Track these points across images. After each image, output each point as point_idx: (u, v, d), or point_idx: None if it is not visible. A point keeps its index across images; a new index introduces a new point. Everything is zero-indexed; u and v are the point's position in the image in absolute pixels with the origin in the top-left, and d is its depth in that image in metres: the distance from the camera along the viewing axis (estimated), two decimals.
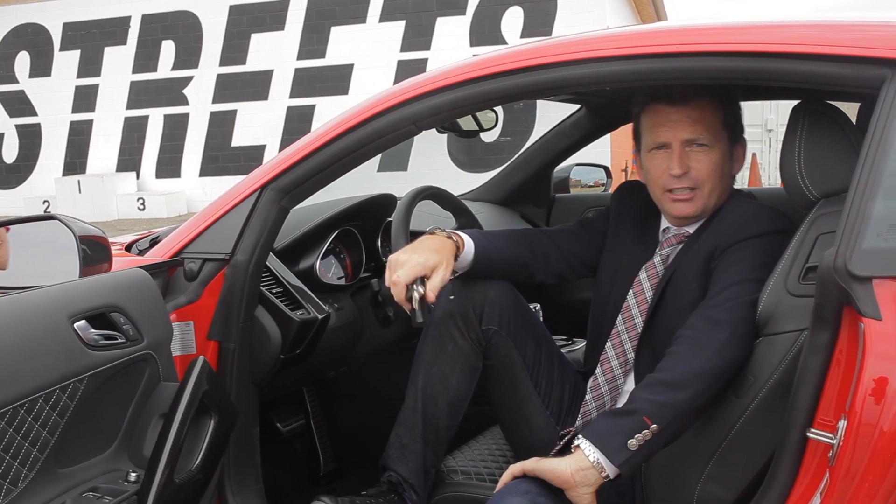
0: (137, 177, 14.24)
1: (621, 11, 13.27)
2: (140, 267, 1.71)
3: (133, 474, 1.52)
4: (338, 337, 2.19)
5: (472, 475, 1.95)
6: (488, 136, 12.09)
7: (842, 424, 1.33)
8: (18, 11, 14.49)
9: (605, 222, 2.06)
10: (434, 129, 2.69)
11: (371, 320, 2.29)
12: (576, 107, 2.99)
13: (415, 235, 2.28)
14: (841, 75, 1.45)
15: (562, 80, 1.67)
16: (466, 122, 2.86)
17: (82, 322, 1.44)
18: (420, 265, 1.69)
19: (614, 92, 2.48)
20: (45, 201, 14.05)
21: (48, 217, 1.65)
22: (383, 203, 2.33)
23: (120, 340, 1.51)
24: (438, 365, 1.86)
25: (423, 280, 1.69)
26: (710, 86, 1.76)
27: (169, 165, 14.02)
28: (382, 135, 1.81)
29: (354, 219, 2.30)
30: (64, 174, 14.42)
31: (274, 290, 1.99)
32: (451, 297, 1.86)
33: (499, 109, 2.73)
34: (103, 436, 1.54)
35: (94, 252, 1.67)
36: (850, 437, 1.31)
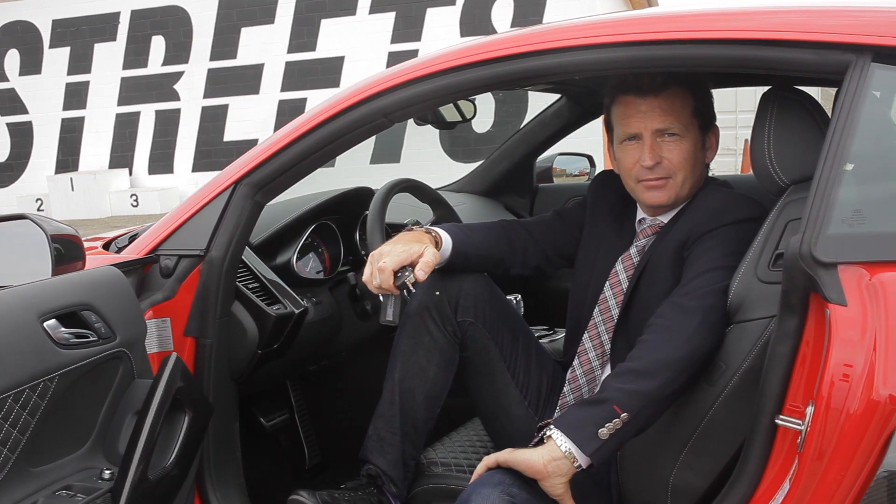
0: (130, 173, 14.21)
1: (611, 3, 13.23)
2: (113, 265, 1.71)
3: (107, 472, 1.52)
4: (316, 331, 2.19)
5: (452, 467, 1.96)
6: (480, 127, 12.13)
7: (809, 410, 1.34)
8: (7, 9, 14.44)
9: (583, 213, 2.06)
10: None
11: (350, 314, 2.30)
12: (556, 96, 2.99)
13: (393, 229, 2.28)
14: (805, 61, 1.45)
15: (529, 71, 1.67)
16: (450, 113, 2.86)
17: (52, 321, 1.44)
18: (405, 252, 1.71)
19: (592, 81, 2.48)
20: (38, 199, 14.03)
21: (19, 216, 1.64)
22: (361, 197, 2.33)
23: (92, 339, 1.51)
24: (415, 357, 1.86)
25: (410, 268, 1.70)
26: (678, 75, 1.76)
27: (161, 161, 13.99)
28: (354, 128, 1.81)
29: (332, 213, 2.30)
30: (56, 172, 14.39)
31: (250, 286, 2.00)
32: (437, 293, 1.86)
33: (483, 99, 2.73)
34: (77, 434, 1.54)
35: (66, 251, 1.66)
36: (818, 422, 1.31)
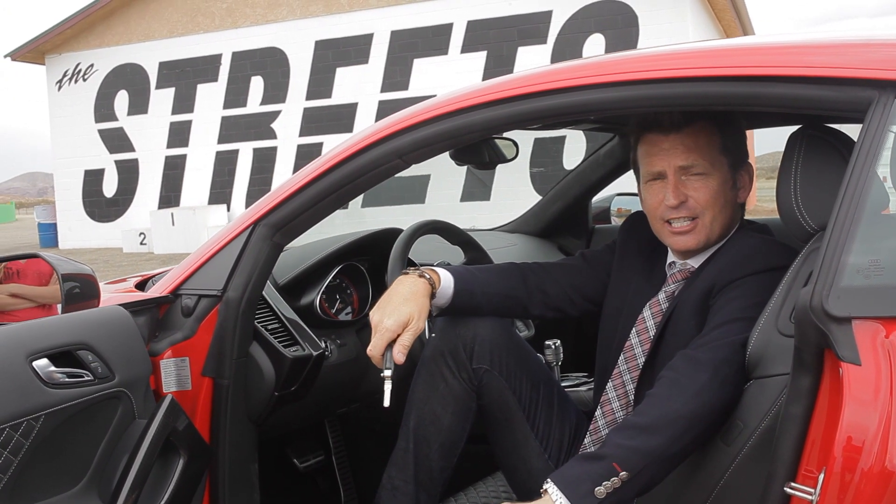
0: (228, 209, 14.66)
1: (704, 29, 13.02)
2: (124, 304, 1.72)
3: None
4: (341, 373, 2.16)
5: None
6: (570, 164, 12.04)
7: (821, 478, 1.22)
8: (118, 52, 15.19)
9: (611, 256, 1.97)
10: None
11: None
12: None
13: None
14: (824, 98, 1.34)
15: (545, 110, 1.61)
16: (508, 150, 2.81)
17: (43, 360, 1.45)
18: (390, 331, 1.66)
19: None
20: (140, 233, 14.60)
21: (31, 255, 1.67)
22: (390, 238, 2.30)
23: (87, 378, 1.51)
24: (430, 405, 1.81)
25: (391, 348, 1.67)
26: (704, 112, 1.68)
27: (258, 197, 14.21)
28: (369, 170, 1.78)
29: (361, 254, 2.27)
30: (159, 207, 14.96)
31: (270, 326, 1.98)
32: (432, 335, 1.81)
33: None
34: (71, 472, 1.54)
35: (81, 289, 1.69)
36: (827, 492, 1.20)
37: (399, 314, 1.66)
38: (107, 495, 1.54)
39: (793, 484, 1.29)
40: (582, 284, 1.95)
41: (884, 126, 1.27)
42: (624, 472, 1.42)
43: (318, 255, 2.19)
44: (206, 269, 1.91)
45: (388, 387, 1.65)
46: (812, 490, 1.25)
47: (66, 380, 1.47)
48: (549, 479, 1.48)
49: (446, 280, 1.79)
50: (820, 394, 1.29)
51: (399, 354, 1.65)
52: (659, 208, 1.74)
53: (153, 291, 1.98)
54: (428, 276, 1.75)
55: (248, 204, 14.47)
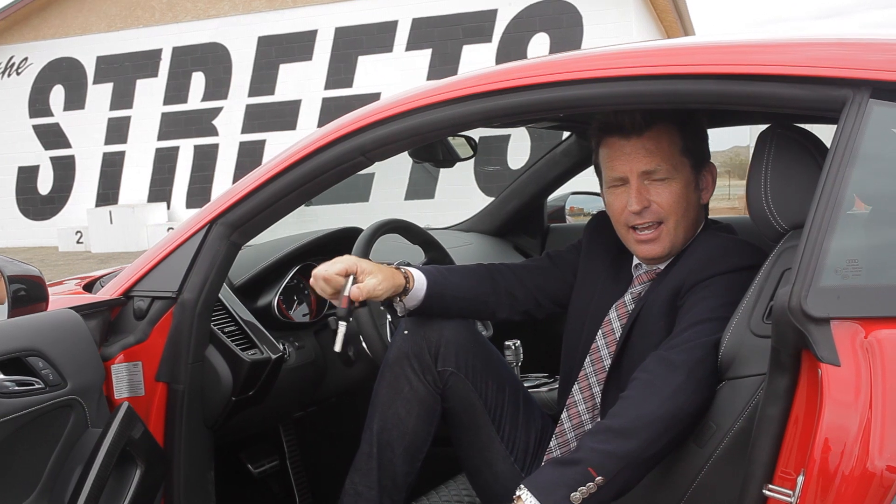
0: (168, 207, 14.37)
1: (647, 30, 13.16)
2: (74, 307, 1.64)
3: None
4: (299, 376, 2.10)
5: None
6: (515, 163, 12.06)
7: (800, 480, 1.21)
8: (53, 46, 14.77)
9: (577, 256, 1.95)
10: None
11: (335, 359, 2.20)
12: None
13: None
14: (799, 97, 1.34)
15: (516, 107, 1.58)
16: (463, 150, 2.78)
17: None
18: (348, 260, 1.66)
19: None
20: (77, 232, 14.23)
21: None
22: (350, 237, 2.24)
23: (37, 386, 1.43)
24: (394, 408, 1.77)
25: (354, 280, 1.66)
26: (663, 112, 1.66)
27: (199, 195, 14.13)
28: (330, 167, 1.72)
29: (319, 254, 2.21)
30: (97, 205, 14.60)
31: (227, 329, 1.92)
32: (406, 332, 1.77)
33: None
34: (20, 485, 1.46)
35: (28, 292, 1.60)
36: (807, 494, 1.19)
37: (361, 262, 1.68)
38: None
39: (771, 486, 1.28)
40: (548, 286, 1.92)
41: (859, 126, 1.27)
42: (600, 477, 1.40)
43: (275, 255, 2.13)
44: (159, 269, 1.84)
45: (342, 331, 1.65)
46: (790, 492, 1.24)
47: (16, 388, 1.39)
48: (522, 486, 1.45)
49: (420, 282, 1.75)
50: (797, 395, 1.28)
51: (357, 290, 1.64)
52: (623, 214, 1.72)
53: (103, 293, 1.90)
54: (404, 271, 1.71)
55: (188, 202, 14.22)
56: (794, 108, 1.36)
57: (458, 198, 11.65)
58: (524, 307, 1.91)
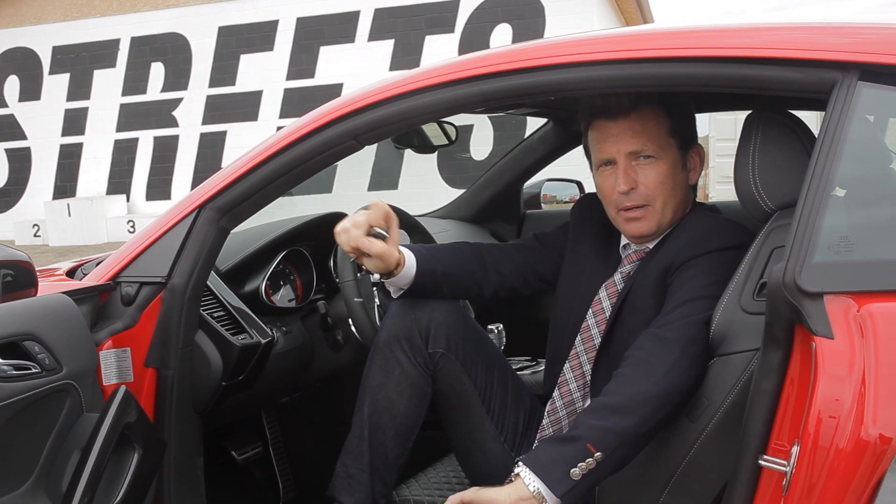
0: (127, 199, 14.19)
1: (608, 20, 13.27)
2: (65, 292, 1.63)
3: None
4: (286, 361, 2.10)
5: None
6: (478, 154, 12.09)
7: (795, 450, 1.25)
8: (7, 36, 14.48)
9: (564, 238, 1.97)
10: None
11: (322, 344, 2.20)
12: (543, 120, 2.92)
13: None
14: (789, 79, 1.37)
15: (503, 91, 1.60)
16: (437, 138, 2.79)
17: None
18: (363, 220, 1.68)
19: (577, 104, 2.40)
20: (34, 225, 14.00)
21: None
22: (334, 222, 2.24)
23: (34, 371, 1.42)
24: (385, 391, 1.78)
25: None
26: (649, 94, 1.69)
27: (159, 188, 13.97)
28: (322, 151, 1.73)
29: (305, 239, 2.21)
30: (54, 198, 14.37)
31: (216, 314, 1.91)
32: (396, 315, 1.78)
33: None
34: (18, 470, 1.45)
35: (17, 277, 1.59)
36: (803, 463, 1.22)
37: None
38: (56, 494, 1.45)
39: (766, 457, 1.31)
40: (536, 263, 1.95)
41: (848, 107, 1.31)
42: (598, 453, 1.42)
43: (261, 241, 2.13)
44: (147, 255, 1.83)
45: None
46: (785, 462, 1.28)
47: (14, 372, 1.38)
48: (520, 463, 1.47)
49: (410, 258, 1.76)
50: (790, 368, 1.32)
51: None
52: (612, 195, 1.75)
53: (88, 280, 1.89)
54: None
55: (148, 194, 14.05)
56: (786, 91, 1.39)
57: (421, 188, 11.65)
58: (511, 283, 1.93)
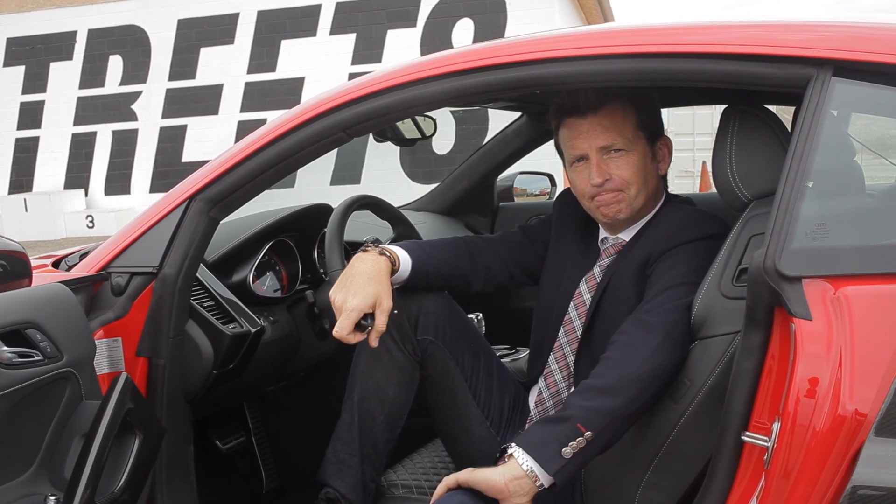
0: (86, 194, 14.00)
1: (569, 16, 13.37)
2: (61, 282, 1.65)
3: (52, 498, 1.45)
4: (274, 351, 2.14)
5: (414, 489, 1.91)
6: (440, 148, 12.13)
7: (776, 427, 1.32)
8: None
9: (548, 231, 2.04)
10: (388, 142, 2.68)
11: (308, 333, 2.24)
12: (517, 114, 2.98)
13: (351, 247, 2.24)
14: (765, 75, 1.44)
15: (489, 85, 1.65)
16: (409, 131, 2.84)
17: None
18: (356, 310, 1.62)
19: (551, 98, 2.47)
20: None
21: None
22: (319, 213, 2.29)
23: (37, 358, 1.45)
24: (374, 377, 1.82)
25: (371, 316, 1.65)
26: (616, 90, 1.76)
27: (118, 182, 13.81)
28: (311, 143, 1.77)
29: (290, 230, 2.25)
30: (10, 192, 14.13)
31: (205, 304, 1.94)
32: (395, 311, 1.82)
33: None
34: (20, 458, 1.47)
35: (11, 267, 1.60)
36: (784, 439, 1.29)
37: (365, 294, 1.63)
38: (60, 481, 1.47)
39: (748, 433, 1.39)
40: (523, 259, 2.01)
41: (822, 101, 1.38)
42: (588, 432, 1.49)
43: (248, 232, 2.16)
44: (137, 245, 1.85)
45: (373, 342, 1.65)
46: (766, 438, 1.35)
47: (18, 360, 1.41)
48: (513, 444, 1.53)
49: (405, 261, 1.80)
50: (770, 349, 1.39)
51: (375, 341, 1.64)
52: (587, 188, 1.81)
53: (77, 271, 1.91)
54: (388, 255, 1.74)
55: (107, 189, 13.87)
56: (763, 86, 1.46)
57: (383, 182, 11.65)
58: (498, 280, 1.99)
